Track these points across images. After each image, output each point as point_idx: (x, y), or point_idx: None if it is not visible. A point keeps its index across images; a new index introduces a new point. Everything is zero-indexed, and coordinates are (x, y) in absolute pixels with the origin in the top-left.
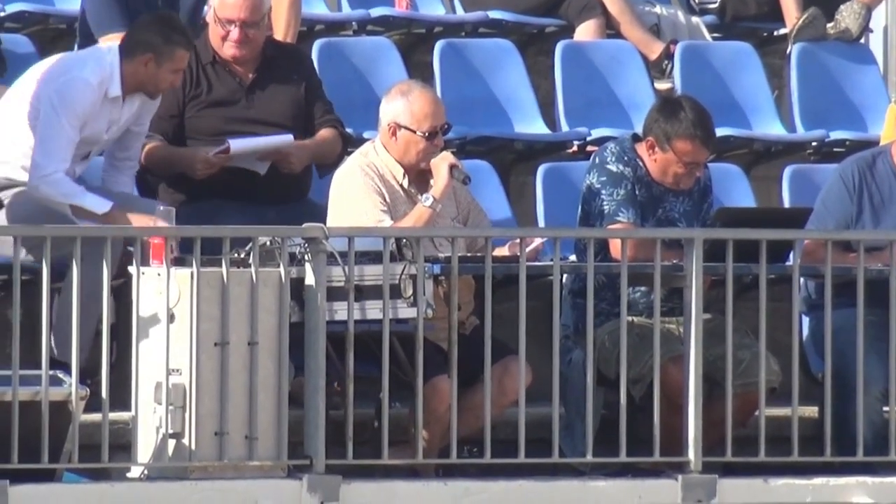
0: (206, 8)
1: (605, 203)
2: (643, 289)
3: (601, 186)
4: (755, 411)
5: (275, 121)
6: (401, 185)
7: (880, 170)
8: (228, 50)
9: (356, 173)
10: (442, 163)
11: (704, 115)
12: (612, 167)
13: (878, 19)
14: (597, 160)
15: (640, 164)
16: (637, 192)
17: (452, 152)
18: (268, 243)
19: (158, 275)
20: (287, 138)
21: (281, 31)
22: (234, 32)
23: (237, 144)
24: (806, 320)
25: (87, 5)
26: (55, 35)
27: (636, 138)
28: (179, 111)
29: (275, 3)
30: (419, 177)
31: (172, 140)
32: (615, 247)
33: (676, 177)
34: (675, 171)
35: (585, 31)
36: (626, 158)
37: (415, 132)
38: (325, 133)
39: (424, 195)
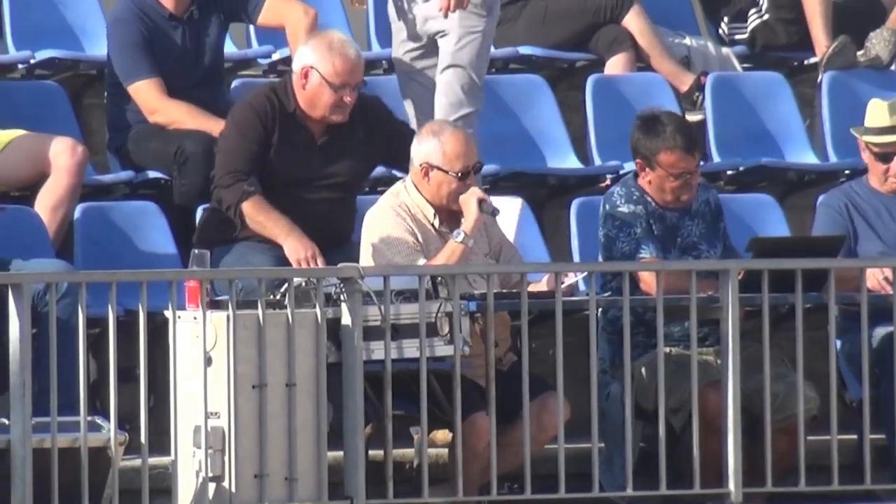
0: (299, 65)
1: (625, 245)
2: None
3: (618, 230)
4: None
5: (342, 181)
6: (432, 225)
7: (861, 193)
8: (339, 115)
9: (388, 214)
10: (470, 198)
11: (683, 123)
12: (624, 209)
13: None
14: (607, 207)
15: (648, 198)
16: (653, 228)
17: (485, 189)
18: (303, 284)
19: (195, 318)
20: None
21: None
22: (350, 96)
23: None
24: (838, 343)
25: (113, 55)
26: (85, 81)
27: (636, 175)
28: (266, 154)
29: (290, 37)
30: (450, 216)
31: (246, 175)
32: (645, 281)
33: (674, 192)
34: (670, 185)
35: (616, 65)
36: (634, 197)
37: (447, 172)
38: None
39: (456, 231)
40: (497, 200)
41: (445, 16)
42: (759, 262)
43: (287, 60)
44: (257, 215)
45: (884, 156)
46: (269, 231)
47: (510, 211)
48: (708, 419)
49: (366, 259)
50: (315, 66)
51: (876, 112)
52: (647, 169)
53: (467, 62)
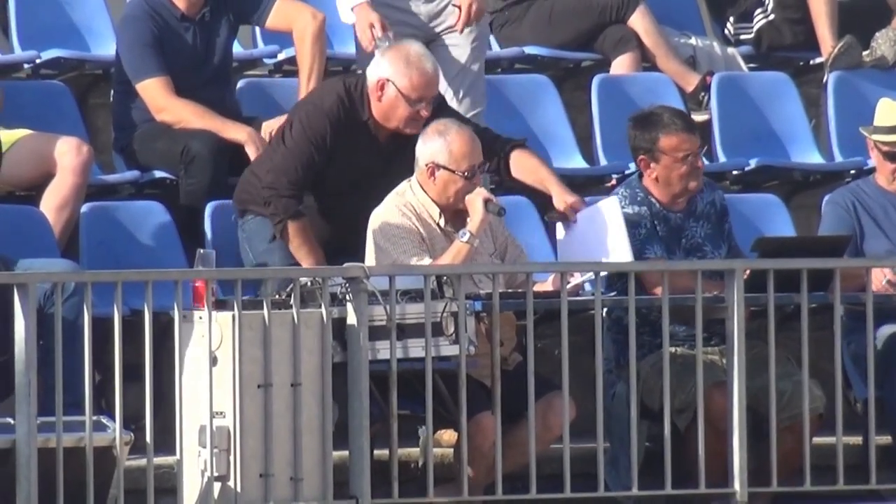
0: (375, 77)
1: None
2: None
3: None
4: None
5: (393, 186)
6: (437, 225)
7: (869, 191)
8: (413, 128)
9: (393, 213)
10: (476, 197)
11: (676, 109)
12: (628, 210)
13: None
14: None
15: (653, 199)
16: (658, 229)
17: (491, 189)
18: (309, 283)
19: (200, 318)
20: None
21: (305, 71)
22: (426, 110)
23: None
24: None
25: (122, 53)
26: (91, 81)
27: (641, 176)
28: (325, 165)
29: (297, 41)
30: (455, 216)
31: (302, 188)
32: (650, 281)
33: (683, 180)
34: (678, 173)
35: (621, 65)
36: (638, 199)
37: (454, 172)
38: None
39: (461, 231)
40: (596, 205)
41: (461, 31)
42: (765, 261)
43: (292, 61)
44: (296, 238)
45: (892, 155)
46: (300, 256)
47: (612, 211)
48: (713, 420)
49: (371, 259)
50: (392, 78)
51: (885, 111)
52: (652, 163)
53: (481, 58)
